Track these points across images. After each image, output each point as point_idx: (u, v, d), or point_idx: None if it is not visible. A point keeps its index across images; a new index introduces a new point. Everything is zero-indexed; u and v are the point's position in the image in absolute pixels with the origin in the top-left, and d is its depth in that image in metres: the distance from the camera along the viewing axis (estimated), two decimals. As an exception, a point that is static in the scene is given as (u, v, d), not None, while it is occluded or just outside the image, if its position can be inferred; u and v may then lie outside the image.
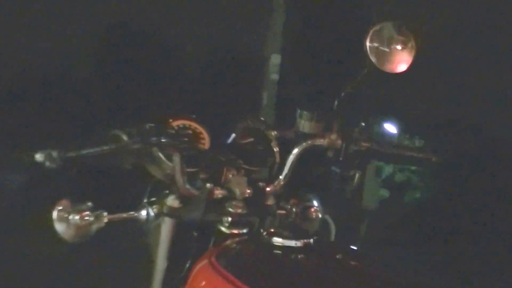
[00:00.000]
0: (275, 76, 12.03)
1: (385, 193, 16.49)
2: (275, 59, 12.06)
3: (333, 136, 1.69)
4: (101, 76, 17.08)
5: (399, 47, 1.65)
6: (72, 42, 18.35)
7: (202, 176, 1.49)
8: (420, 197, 15.38)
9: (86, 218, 1.44)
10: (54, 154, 1.35)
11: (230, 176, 1.48)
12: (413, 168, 16.02)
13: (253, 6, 13.82)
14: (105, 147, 1.27)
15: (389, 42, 1.63)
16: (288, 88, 12.52)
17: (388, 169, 16.74)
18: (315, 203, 1.52)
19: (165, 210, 1.48)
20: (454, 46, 14.15)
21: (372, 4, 15.93)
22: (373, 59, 1.60)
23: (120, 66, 17.03)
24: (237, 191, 1.49)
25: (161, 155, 1.39)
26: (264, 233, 1.42)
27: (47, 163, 1.35)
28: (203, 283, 1.43)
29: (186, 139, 1.41)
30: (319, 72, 14.90)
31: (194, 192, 1.51)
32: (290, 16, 12.64)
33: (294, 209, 1.48)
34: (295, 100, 13.18)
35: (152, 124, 1.37)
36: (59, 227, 1.46)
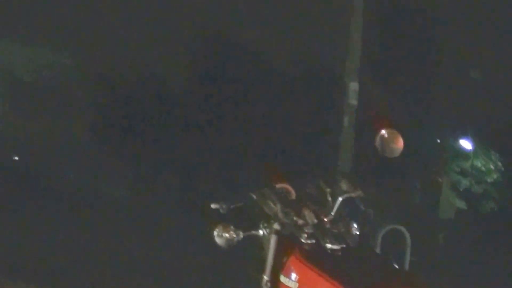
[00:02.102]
0: (354, 102, 12.86)
1: (462, 204, 16.98)
2: (354, 86, 12.90)
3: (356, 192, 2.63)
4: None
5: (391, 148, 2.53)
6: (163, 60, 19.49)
7: (292, 212, 2.55)
8: (497, 208, 15.83)
9: (232, 234, 2.51)
10: (224, 205, 2.40)
11: (305, 212, 2.51)
12: (490, 180, 16.48)
13: (331, 37, 14.59)
14: (249, 203, 2.32)
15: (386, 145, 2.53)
16: (366, 113, 13.32)
17: (465, 182, 17.20)
18: (354, 225, 2.45)
19: (272, 231, 2.54)
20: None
21: (446, 31, 16.49)
22: (380, 150, 2.52)
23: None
24: (309, 220, 2.53)
25: (270, 203, 2.43)
26: (323, 242, 2.45)
27: (220, 209, 2.42)
28: (294, 270, 2.50)
29: (282, 194, 2.45)
30: (395, 97, 15.57)
31: (287, 221, 2.57)
32: (367, 45, 13.40)
33: (338, 229, 2.46)
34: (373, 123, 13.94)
35: (267, 188, 2.42)
36: (218, 239, 2.55)
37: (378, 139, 2.55)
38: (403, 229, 12.54)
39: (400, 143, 2.58)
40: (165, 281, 10.16)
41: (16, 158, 22.94)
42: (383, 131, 2.55)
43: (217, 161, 18.16)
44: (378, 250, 10.84)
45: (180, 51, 19.94)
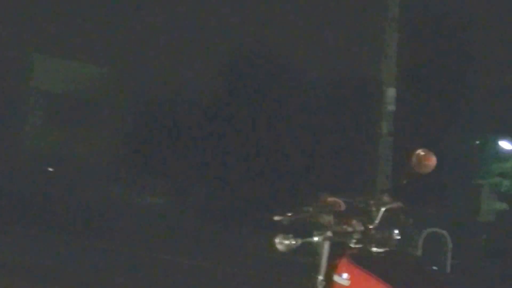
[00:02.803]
0: (391, 107, 13.07)
1: (503, 206, 17.06)
2: (391, 92, 13.11)
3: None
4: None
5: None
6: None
7: (342, 222, 2.97)
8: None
9: (291, 241, 2.95)
10: (285, 217, 2.86)
11: (353, 221, 2.93)
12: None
13: (368, 45, 14.83)
14: (306, 215, 2.77)
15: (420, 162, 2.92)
16: (404, 118, 13.53)
17: (506, 183, 17.29)
18: (395, 231, 2.84)
19: (326, 238, 2.96)
20: None
21: (481, 35, 16.61)
22: (415, 167, 2.93)
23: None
24: (356, 228, 2.96)
25: (324, 214, 2.87)
26: (369, 246, 2.88)
27: (283, 221, 2.87)
28: (346, 270, 2.93)
29: (333, 206, 2.89)
30: (431, 102, 15.75)
31: (338, 229, 3.01)
32: (402, 52, 13.63)
33: (381, 235, 2.87)
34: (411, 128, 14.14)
35: (321, 202, 2.86)
36: (279, 246, 2.99)
37: (413, 157, 2.96)
38: (444, 232, 12.79)
39: (433, 161, 2.99)
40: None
41: (51, 169, 23.53)
42: (418, 150, 2.96)
43: (268, 174, 18.40)
44: (419, 253, 11.18)
45: (217, 65, 20.27)
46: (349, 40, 17.06)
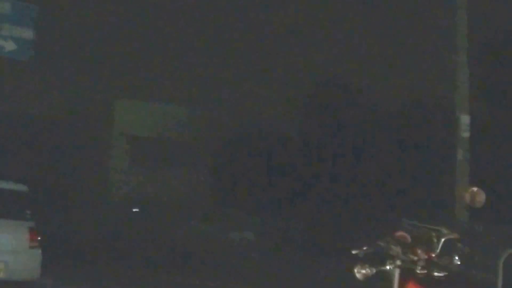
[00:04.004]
0: (466, 134, 13.30)
1: None
2: (465, 119, 13.35)
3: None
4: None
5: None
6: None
7: (408, 252, 3.51)
8: None
9: (367, 270, 3.51)
10: (361, 251, 3.42)
11: (418, 251, 3.46)
12: None
13: (439, 73, 15.12)
14: (379, 248, 3.34)
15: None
16: (479, 145, 13.75)
17: None
18: (456, 258, 3.35)
19: (396, 266, 3.48)
20: None
21: None
22: (469, 203, 3.45)
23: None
24: (421, 256, 3.49)
25: (393, 246, 3.41)
26: (432, 272, 3.38)
27: (359, 254, 3.46)
28: None
29: (401, 239, 3.44)
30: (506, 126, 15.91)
31: (405, 258, 3.56)
32: (475, 79, 13.89)
33: (443, 262, 3.37)
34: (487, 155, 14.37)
35: (390, 237, 3.41)
36: (358, 275, 3.56)
37: (466, 195, 3.50)
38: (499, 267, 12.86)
39: (483, 198, 3.54)
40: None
41: (136, 209, 24.14)
42: (471, 188, 3.51)
43: (344, 210, 18.60)
44: (500, 276, 11.36)
45: (301, 100, 20.61)
46: (420, 69, 17.39)
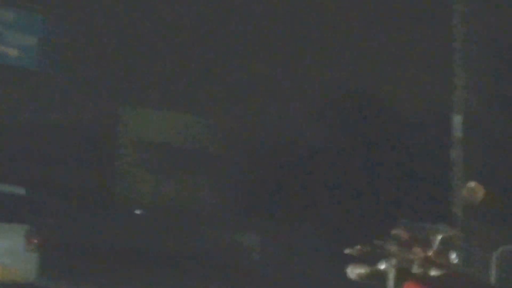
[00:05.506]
0: (459, 134, 13.29)
1: None
2: (458, 119, 13.34)
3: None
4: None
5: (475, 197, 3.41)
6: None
7: (405, 250, 3.54)
8: None
9: (362, 269, 3.54)
10: (355, 250, 3.41)
11: (415, 249, 3.46)
12: None
13: (435, 75, 15.11)
14: (375, 247, 3.35)
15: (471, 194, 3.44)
16: (472, 145, 13.72)
17: None
18: (453, 256, 3.34)
19: (392, 265, 3.51)
20: None
21: None
22: (467, 198, 3.42)
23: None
24: (418, 255, 3.49)
25: (389, 245, 3.43)
26: (429, 270, 3.38)
27: (353, 253, 3.45)
28: None
29: (397, 237, 3.45)
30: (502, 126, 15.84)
31: (402, 257, 3.58)
32: (470, 79, 13.85)
33: (439, 260, 3.36)
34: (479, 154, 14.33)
35: (386, 235, 3.43)
36: (351, 275, 3.57)
37: (463, 190, 3.50)
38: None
39: (481, 192, 3.53)
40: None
41: (138, 212, 23.88)
42: (469, 184, 3.50)
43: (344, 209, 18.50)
44: (493, 270, 11.39)
45: (316, 106, 20.53)
46: (418, 69, 17.37)
